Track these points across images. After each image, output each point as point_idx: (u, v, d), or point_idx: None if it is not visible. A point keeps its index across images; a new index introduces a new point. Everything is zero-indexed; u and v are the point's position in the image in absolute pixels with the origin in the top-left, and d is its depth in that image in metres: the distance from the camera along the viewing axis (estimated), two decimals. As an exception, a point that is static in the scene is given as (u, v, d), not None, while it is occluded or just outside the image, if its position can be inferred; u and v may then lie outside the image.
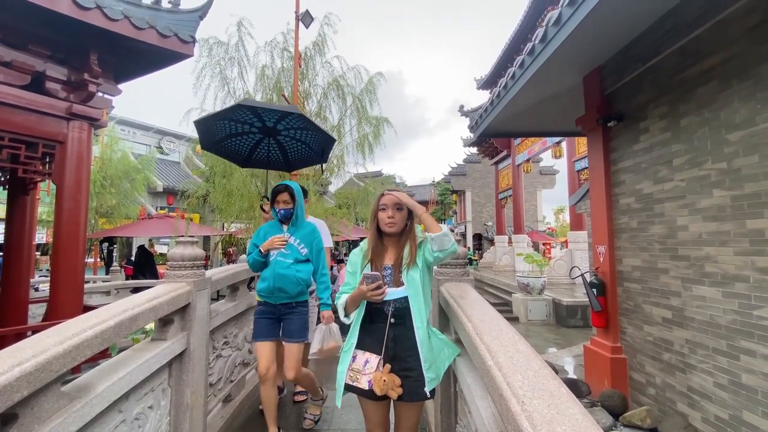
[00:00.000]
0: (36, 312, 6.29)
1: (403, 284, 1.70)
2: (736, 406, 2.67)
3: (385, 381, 1.57)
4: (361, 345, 1.71)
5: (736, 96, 2.68)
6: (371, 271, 1.72)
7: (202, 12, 4.72)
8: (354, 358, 1.68)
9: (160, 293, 1.99)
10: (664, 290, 3.39)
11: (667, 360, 3.35)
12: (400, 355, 1.66)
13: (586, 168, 10.09)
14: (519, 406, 0.93)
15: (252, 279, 4.14)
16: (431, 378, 1.65)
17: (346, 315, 1.76)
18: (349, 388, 1.67)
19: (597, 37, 3.47)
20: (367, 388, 1.60)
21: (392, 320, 1.68)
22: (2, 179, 5.14)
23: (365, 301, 1.72)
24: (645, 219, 3.64)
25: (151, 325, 2.15)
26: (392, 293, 1.69)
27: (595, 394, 3.98)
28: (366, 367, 1.63)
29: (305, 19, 6.67)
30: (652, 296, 3.55)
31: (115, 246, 16.38)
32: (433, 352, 1.71)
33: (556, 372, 4.77)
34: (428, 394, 1.63)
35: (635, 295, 3.80)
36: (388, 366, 1.62)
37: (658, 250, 3.47)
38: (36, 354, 1.24)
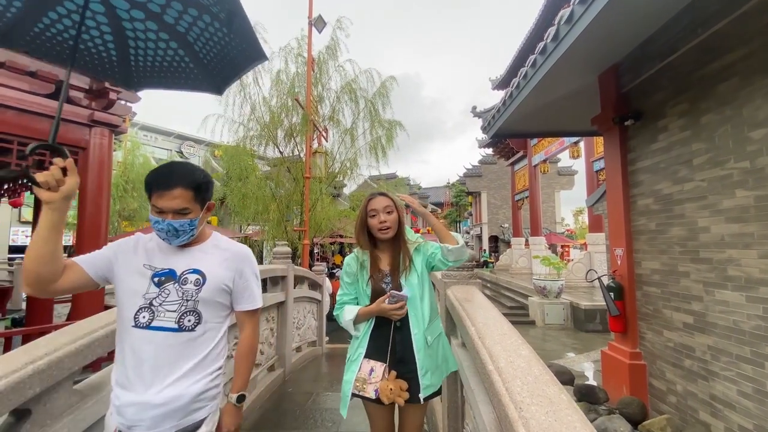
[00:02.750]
0: (62, 312, 6.54)
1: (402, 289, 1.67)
2: (762, 415, 2.55)
3: (391, 389, 1.55)
4: (367, 353, 1.67)
5: (759, 92, 2.58)
6: (370, 280, 1.71)
7: (216, 19, 4.83)
8: (360, 367, 1.65)
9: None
10: (685, 294, 3.27)
11: (688, 367, 3.23)
12: (407, 357, 1.63)
13: (604, 168, 9.85)
14: (516, 413, 0.90)
15: (265, 282, 4.19)
16: (426, 385, 1.62)
17: (356, 328, 1.71)
18: (356, 396, 1.64)
19: (611, 35, 3.39)
20: (373, 397, 1.57)
21: (397, 324, 1.66)
22: (30, 184, 5.38)
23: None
24: (664, 220, 3.52)
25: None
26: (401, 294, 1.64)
27: (613, 401, 3.87)
28: (372, 376, 1.60)
29: (318, 24, 6.75)
30: (673, 300, 3.43)
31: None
32: (433, 359, 1.67)
33: (573, 378, 4.66)
34: (421, 399, 1.60)
35: (655, 299, 3.67)
36: (393, 373, 1.60)
37: (679, 253, 3.35)
38: (49, 352, 1.29)
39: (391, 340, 1.64)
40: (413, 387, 1.60)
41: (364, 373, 1.61)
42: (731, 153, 2.81)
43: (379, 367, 1.60)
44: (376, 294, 1.68)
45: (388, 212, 1.69)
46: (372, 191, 1.81)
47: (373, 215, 1.70)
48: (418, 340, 1.64)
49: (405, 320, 1.65)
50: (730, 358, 2.81)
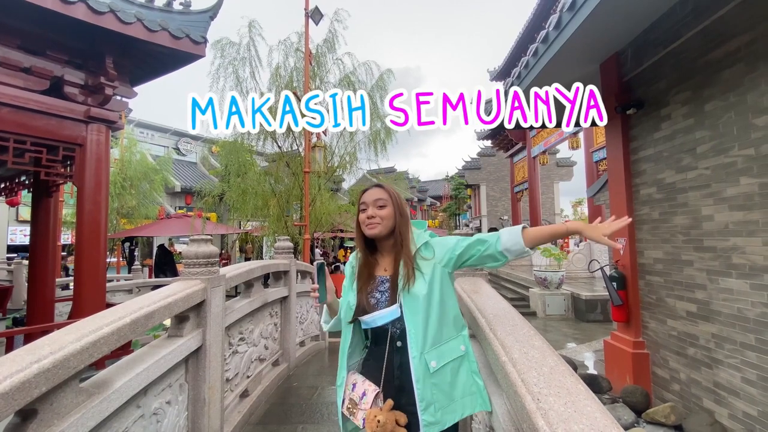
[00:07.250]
0: (63, 310, 6.52)
1: (396, 302, 1.34)
2: (766, 402, 2.55)
3: (379, 421, 1.21)
4: (363, 369, 1.40)
5: (764, 78, 2.55)
6: (356, 290, 1.42)
7: (212, 12, 4.76)
8: (354, 385, 1.35)
9: (174, 291, 2.02)
10: (689, 283, 3.27)
11: (692, 355, 3.23)
12: (407, 386, 1.29)
13: (604, 159, 9.83)
14: (534, 404, 0.90)
15: (268, 276, 4.18)
16: (429, 422, 1.23)
17: (326, 321, 1.51)
18: (346, 419, 1.36)
19: (614, 22, 3.35)
20: (361, 426, 1.28)
21: (398, 344, 1.33)
22: (27, 182, 5.32)
23: (354, 323, 1.40)
24: (667, 209, 3.51)
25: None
26: (382, 316, 1.33)
27: (617, 390, 3.88)
28: (363, 401, 1.29)
29: (315, 15, 6.67)
30: (676, 289, 3.43)
31: (136, 246, 16.82)
32: (441, 390, 1.27)
33: (575, 368, 4.68)
34: None
35: (658, 288, 3.67)
36: (389, 402, 1.26)
37: (682, 242, 3.34)
38: (54, 351, 1.27)
39: (386, 362, 1.33)
40: (414, 423, 1.25)
41: (357, 395, 1.32)
42: (735, 140, 2.79)
43: (372, 391, 1.30)
44: (360, 308, 1.38)
45: (380, 206, 1.39)
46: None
47: (363, 209, 1.42)
48: (417, 366, 1.27)
49: (405, 339, 1.31)
50: (735, 345, 2.82)
